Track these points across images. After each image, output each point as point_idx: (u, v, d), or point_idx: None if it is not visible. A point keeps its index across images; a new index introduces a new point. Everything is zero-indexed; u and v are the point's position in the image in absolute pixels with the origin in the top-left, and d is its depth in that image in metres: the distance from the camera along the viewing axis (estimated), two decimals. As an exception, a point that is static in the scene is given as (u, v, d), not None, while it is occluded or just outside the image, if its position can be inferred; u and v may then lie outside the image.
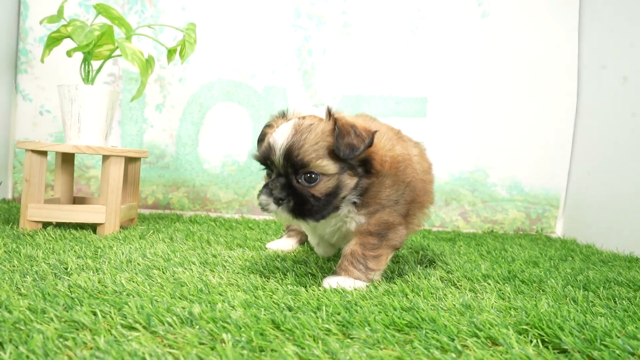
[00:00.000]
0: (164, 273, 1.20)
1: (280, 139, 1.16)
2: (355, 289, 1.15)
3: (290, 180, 1.16)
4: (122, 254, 1.38)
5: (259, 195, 1.18)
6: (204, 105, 2.51)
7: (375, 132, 1.17)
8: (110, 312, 0.86)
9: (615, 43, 2.23)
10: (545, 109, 2.52)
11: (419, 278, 1.29)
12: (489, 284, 1.24)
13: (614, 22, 2.26)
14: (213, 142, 2.52)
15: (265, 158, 1.18)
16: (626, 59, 2.14)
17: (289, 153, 1.14)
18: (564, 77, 2.50)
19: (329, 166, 1.14)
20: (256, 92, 2.52)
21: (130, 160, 2.02)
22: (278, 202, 1.15)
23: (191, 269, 1.26)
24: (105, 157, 1.79)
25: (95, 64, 1.94)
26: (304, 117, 1.22)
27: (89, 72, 1.89)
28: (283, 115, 1.31)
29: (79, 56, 1.94)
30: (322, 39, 2.53)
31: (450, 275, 1.33)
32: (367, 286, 1.18)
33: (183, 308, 0.90)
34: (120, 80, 2.49)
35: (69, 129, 1.83)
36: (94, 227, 1.86)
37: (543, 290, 1.24)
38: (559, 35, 2.50)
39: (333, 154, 1.14)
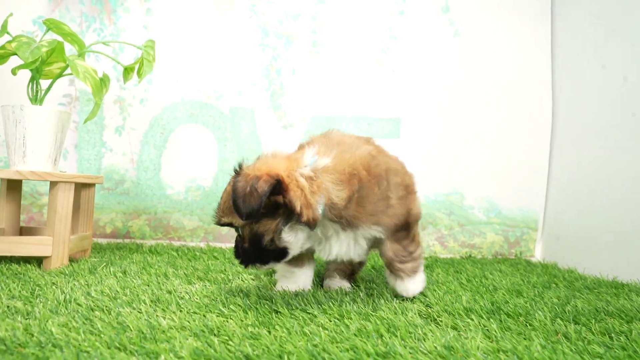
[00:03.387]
0: (107, 315, 1.06)
1: None
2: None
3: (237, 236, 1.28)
4: (63, 292, 1.23)
5: None
6: (166, 128, 2.38)
7: (277, 179, 1.14)
8: (25, 372, 0.71)
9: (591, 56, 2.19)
10: (520, 128, 2.46)
11: (395, 313, 1.17)
12: (473, 320, 1.12)
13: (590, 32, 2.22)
14: (176, 166, 2.38)
15: None
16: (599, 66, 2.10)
17: (216, 211, 1.27)
18: (539, 96, 2.45)
19: (235, 220, 1.20)
20: (222, 114, 2.40)
21: (84, 187, 1.87)
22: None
23: (140, 309, 1.12)
24: (53, 184, 1.64)
25: (46, 84, 1.80)
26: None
27: (37, 91, 1.75)
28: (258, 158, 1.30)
29: (28, 75, 1.79)
30: (291, 58, 2.43)
31: (429, 310, 1.21)
32: (338, 326, 1.05)
33: (118, 362, 0.76)
34: (77, 102, 2.35)
35: (13, 153, 1.67)
36: (40, 261, 1.69)
37: (531, 325, 1.13)
38: (532, 53, 2.46)
39: None
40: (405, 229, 1.32)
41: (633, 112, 1.87)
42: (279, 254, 1.23)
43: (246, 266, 1.27)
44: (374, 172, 1.26)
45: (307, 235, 1.25)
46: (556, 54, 2.45)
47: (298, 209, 1.14)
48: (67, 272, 1.52)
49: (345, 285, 1.51)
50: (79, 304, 1.13)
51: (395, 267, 1.34)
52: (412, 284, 1.35)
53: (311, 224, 1.16)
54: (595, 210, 2.08)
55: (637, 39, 1.90)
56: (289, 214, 1.16)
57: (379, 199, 1.26)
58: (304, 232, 1.23)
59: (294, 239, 1.22)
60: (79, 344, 0.85)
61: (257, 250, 1.22)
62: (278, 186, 1.13)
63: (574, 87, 2.31)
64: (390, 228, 1.29)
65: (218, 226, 2.35)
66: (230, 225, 1.24)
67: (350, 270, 1.55)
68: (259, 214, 1.13)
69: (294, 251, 1.25)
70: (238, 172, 1.19)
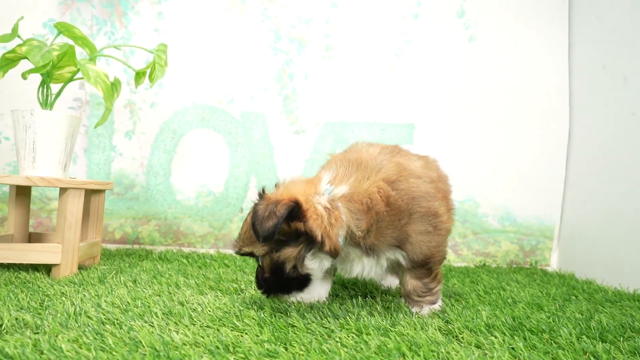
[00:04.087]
0: (118, 329, 1.02)
1: None
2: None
3: (257, 267, 1.29)
4: (73, 304, 1.20)
5: None
6: (177, 132, 2.35)
7: (295, 202, 1.13)
8: (35, 396, 0.68)
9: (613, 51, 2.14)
10: (537, 135, 2.41)
11: (415, 329, 1.13)
12: (496, 337, 1.08)
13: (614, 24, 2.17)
14: (187, 171, 2.35)
15: None
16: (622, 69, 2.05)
17: (236, 241, 1.27)
18: (556, 102, 2.41)
19: (256, 249, 1.21)
20: (234, 118, 2.37)
21: (93, 193, 1.84)
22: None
23: (152, 323, 1.08)
24: (63, 190, 1.61)
25: (57, 88, 1.78)
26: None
27: (47, 96, 1.72)
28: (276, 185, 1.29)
29: (39, 79, 1.77)
30: (304, 63, 2.40)
31: (449, 326, 1.17)
32: (357, 343, 1.01)
33: (131, 384, 0.73)
34: (87, 106, 2.32)
35: (23, 158, 1.65)
36: (49, 268, 1.67)
37: (556, 343, 1.09)
38: (548, 58, 2.41)
39: None
40: (426, 267, 1.29)
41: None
42: (302, 281, 1.24)
43: (268, 296, 1.29)
44: (395, 205, 1.21)
45: (331, 262, 1.24)
46: (573, 59, 2.40)
47: (319, 237, 1.13)
48: (76, 280, 1.49)
49: (394, 283, 1.63)
50: (89, 317, 1.10)
51: (413, 299, 1.34)
52: (429, 310, 1.33)
53: (333, 254, 1.16)
54: (613, 219, 2.03)
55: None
56: (311, 242, 1.16)
57: (398, 234, 1.23)
58: (328, 259, 1.21)
59: (317, 266, 1.21)
60: (91, 363, 0.82)
61: (279, 280, 1.23)
62: (296, 210, 1.12)
63: (592, 93, 2.26)
64: (410, 259, 1.26)
65: (228, 232, 2.32)
66: (251, 255, 1.24)
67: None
68: (277, 239, 1.14)
69: (317, 277, 1.26)
70: (261, 197, 1.19)
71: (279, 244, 1.18)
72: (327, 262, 1.23)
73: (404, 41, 2.43)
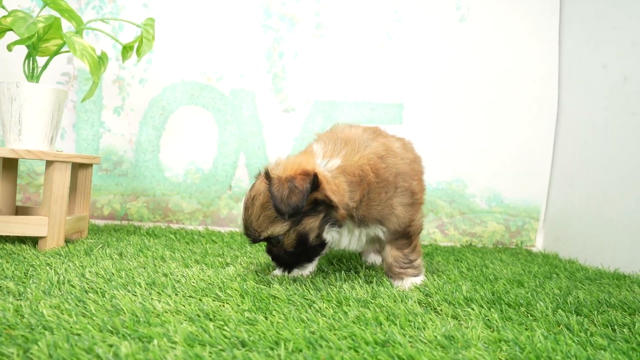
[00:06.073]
0: (101, 297, 1.03)
1: (242, 216, 1.29)
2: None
3: (270, 247, 1.31)
4: (57, 273, 1.21)
5: None
6: (166, 109, 2.34)
7: (314, 174, 1.18)
8: (13, 355, 0.69)
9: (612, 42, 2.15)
10: (525, 117, 2.42)
11: (395, 301, 1.15)
12: (473, 309, 1.10)
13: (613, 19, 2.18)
14: (175, 148, 2.35)
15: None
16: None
17: (247, 231, 1.27)
18: (545, 86, 2.41)
19: (277, 228, 1.22)
20: (223, 96, 2.36)
21: (81, 167, 1.84)
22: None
23: (134, 292, 1.10)
24: (49, 163, 1.61)
25: (43, 61, 1.77)
26: (259, 182, 1.27)
27: (33, 68, 1.71)
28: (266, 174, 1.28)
29: (24, 51, 1.75)
30: (294, 40, 2.39)
31: (429, 299, 1.19)
32: (336, 313, 1.03)
33: (110, 346, 0.74)
34: (75, 81, 2.31)
35: (9, 131, 1.64)
36: (36, 241, 1.67)
37: (532, 315, 1.11)
38: (539, 41, 2.41)
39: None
40: (406, 237, 1.35)
41: (633, 113, 1.84)
42: (322, 246, 1.28)
43: (290, 271, 1.33)
44: (383, 176, 1.29)
45: (337, 231, 1.28)
46: (564, 44, 2.40)
47: (337, 201, 1.20)
48: (62, 253, 1.50)
49: (378, 259, 1.69)
50: (72, 286, 1.11)
51: (395, 271, 1.37)
52: (410, 284, 1.35)
53: (341, 221, 1.25)
54: (598, 201, 2.05)
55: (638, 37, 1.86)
56: (329, 208, 1.22)
57: (385, 205, 1.29)
58: (335, 229, 1.27)
59: (330, 237, 1.28)
60: (70, 327, 0.83)
61: (304, 250, 1.26)
62: (315, 181, 1.18)
63: (581, 78, 2.27)
64: (392, 231, 1.32)
65: (217, 210, 2.33)
66: (269, 239, 1.26)
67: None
68: (301, 213, 1.19)
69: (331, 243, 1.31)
70: (268, 178, 1.20)
71: (298, 217, 1.22)
72: (335, 233, 1.28)
73: (395, 20, 2.42)
